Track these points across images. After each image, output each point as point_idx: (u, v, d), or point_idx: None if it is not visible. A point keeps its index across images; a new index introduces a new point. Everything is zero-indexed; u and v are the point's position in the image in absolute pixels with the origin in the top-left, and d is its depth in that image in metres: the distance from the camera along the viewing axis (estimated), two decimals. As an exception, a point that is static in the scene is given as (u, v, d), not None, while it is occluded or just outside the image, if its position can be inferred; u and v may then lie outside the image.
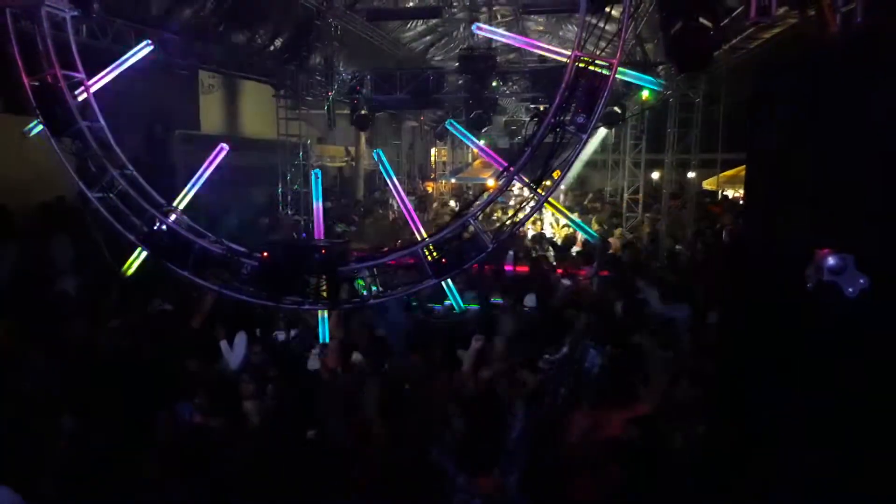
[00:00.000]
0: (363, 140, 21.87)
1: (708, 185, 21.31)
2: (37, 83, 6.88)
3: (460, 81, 13.07)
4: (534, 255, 11.76)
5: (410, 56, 17.07)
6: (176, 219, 7.32)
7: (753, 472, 3.10)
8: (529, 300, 8.00)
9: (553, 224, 16.18)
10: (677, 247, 13.44)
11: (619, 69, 6.26)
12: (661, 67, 12.56)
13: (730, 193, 21.83)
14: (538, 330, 7.03)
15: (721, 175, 20.43)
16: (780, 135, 3.47)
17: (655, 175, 19.97)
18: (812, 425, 2.64)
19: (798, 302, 2.61)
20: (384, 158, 8.07)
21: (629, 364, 5.90)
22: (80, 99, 7.13)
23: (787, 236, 2.97)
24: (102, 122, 7.31)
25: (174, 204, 7.56)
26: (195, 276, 7.00)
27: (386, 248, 8.11)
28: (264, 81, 14.16)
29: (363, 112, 13.16)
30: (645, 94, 13.68)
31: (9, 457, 4.21)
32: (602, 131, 18.46)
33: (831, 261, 2.51)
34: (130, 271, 7.40)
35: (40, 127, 7.02)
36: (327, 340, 7.05)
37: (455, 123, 8.03)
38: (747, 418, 3.15)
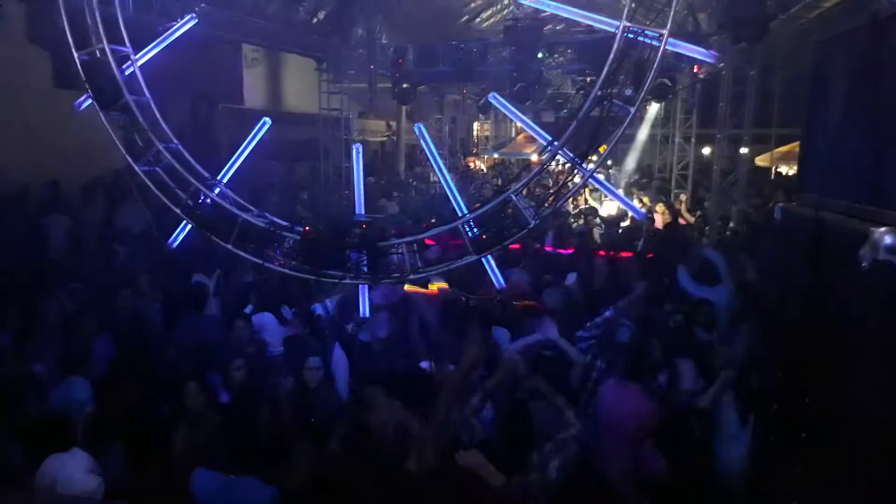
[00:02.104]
0: (404, 114, 21.78)
1: (761, 161, 20.61)
2: (86, 57, 6.99)
3: (504, 53, 12.82)
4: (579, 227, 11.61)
5: (454, 27, 16.83)
6: (220, 192, 7.40)
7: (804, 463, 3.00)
8: (570, 279, 7.88)
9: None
10: (731, 224, 13.08)
11: (670, 40, 6.03)
12: (714, 38, 12.09)
13: (784, 170, 21.10)
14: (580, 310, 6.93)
15: (775, 151, 19.73)
16: (838, 108, 3.29)
17: (706, 151, 19.40)
18: (865, 411, 2.51)
19: (852, 281, 2.47)
20: (425, 133, 7.98)
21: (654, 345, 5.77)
22: (127, 73, 7.23)
23: (843, 214, 2.82)
24: (148, 95, 7.41)
25: (218, 177, 7.63)
26: (238, 250, 7.09)
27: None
28: (307, 55, 14.16)
29: (405, 85, 13.04)
30: (696, 66, 13.22)
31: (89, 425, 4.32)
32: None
33: (888, 239, 2.36)
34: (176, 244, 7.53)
35: (90, 101, 7.15)
36: (367, 314, 7.08)
37: (498, 97, 7.85)
38: (799, 406, 3.02)
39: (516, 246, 8.54)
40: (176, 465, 4.36)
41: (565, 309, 6.83)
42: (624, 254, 9.95)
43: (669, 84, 12.22)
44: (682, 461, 4.17)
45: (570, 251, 9.84)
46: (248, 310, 7.14)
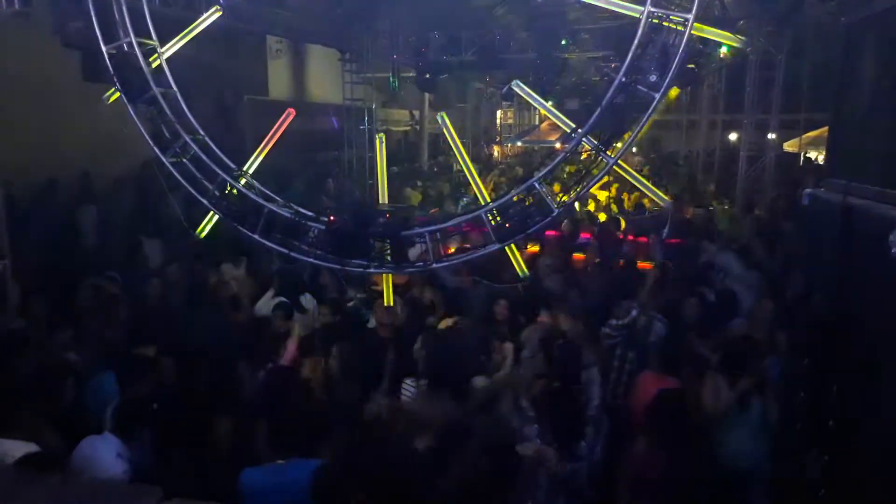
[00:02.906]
0: (427, 103, 21.75)
1: (789, 146, 20.25)
2: (113, 51, 7.10)
3: (528, 41, 12.73)
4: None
5: (477, 15, 16.72)
6: (246, 183, 7.48)
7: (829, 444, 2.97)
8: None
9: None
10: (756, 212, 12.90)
11: (696, 25, 5.95)
12: (740, 22, 11.89)
13: (813, 155, 20.72)
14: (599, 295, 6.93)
15: (804, 136, 19.37)
16: (868, 92, 3.22)
17: (733, 136, 19.11)
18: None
19: (881, 267, 2.43)
20: (448, 122, 7.97)
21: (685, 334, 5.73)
22: (153, 66, 7.33)
23: (872, 199, 2.77)
24: (175, 88, 7.50)
25: (244, 168, 7.72)
26: (264, 240, 7.18)
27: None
28: (330, 45, 14.19)
29: (428, 75, 13.03)
30: (723, 50, 13.02)
31: (122, 411, 4.41)
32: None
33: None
34: (203, 234, 7.64)
35: (117, 94, 7.26)
36: (392, 303, 7.13)
37: (521, 84, 7.81)
38: (827, 395, 2.99)
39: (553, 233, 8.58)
40: (219, 451, 4.46)
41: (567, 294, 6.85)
42: (641, 239, 9.91)
43: (695, 69, 12.07)
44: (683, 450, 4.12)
45: (587, 237, 9.83)
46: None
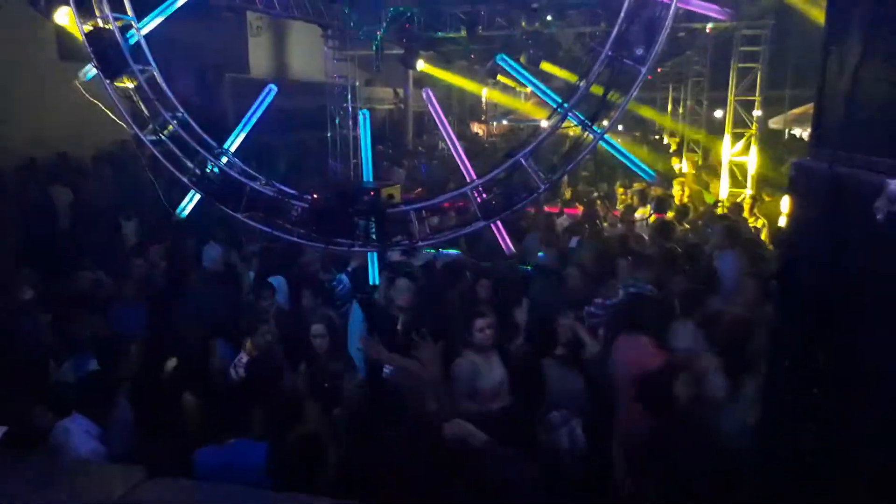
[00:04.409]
0: (412, 81, 21.52)
1: (774, 123, 20.30)
2: (90, 28, 6.94)
3: (513, 16, 12.58)
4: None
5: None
6: (227, 161, 7.37)
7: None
8: (573, 244, 7.84)
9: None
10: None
11: (681, -2, 5.90)
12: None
13: (797, 132, 20.79)
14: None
15: (789, 113, 19.41)
16: (853, 62, 3.19)
17: (718, 113, 19.12)
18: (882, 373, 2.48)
19: (867, 235, 2.42)
20: (434, 99, 7.88)
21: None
22: (131, 42, 7.17)
23: (857, 167, 2.75)
24: (154, 65, 7.35)
25: (225, 146, 7.60)
26: (247, 219, 7.09)
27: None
28: (312, 21, 13.95)
29: (412, 51, 12.87)
30: (709, 26, 12.95)
31: (85, 386, 4.34)
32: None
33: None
34: (184, 213, 7.54)
35: (94, 71, 7.11)
36: (377, 282, 7.08)
37: (507, 59, 7.73)
38: (812, 362, 2.99)
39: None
40: (191, 428, 4.41)
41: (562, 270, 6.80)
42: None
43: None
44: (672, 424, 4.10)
45: (577, 212, 9.83)
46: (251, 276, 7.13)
